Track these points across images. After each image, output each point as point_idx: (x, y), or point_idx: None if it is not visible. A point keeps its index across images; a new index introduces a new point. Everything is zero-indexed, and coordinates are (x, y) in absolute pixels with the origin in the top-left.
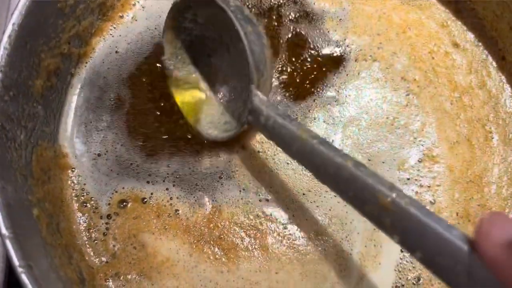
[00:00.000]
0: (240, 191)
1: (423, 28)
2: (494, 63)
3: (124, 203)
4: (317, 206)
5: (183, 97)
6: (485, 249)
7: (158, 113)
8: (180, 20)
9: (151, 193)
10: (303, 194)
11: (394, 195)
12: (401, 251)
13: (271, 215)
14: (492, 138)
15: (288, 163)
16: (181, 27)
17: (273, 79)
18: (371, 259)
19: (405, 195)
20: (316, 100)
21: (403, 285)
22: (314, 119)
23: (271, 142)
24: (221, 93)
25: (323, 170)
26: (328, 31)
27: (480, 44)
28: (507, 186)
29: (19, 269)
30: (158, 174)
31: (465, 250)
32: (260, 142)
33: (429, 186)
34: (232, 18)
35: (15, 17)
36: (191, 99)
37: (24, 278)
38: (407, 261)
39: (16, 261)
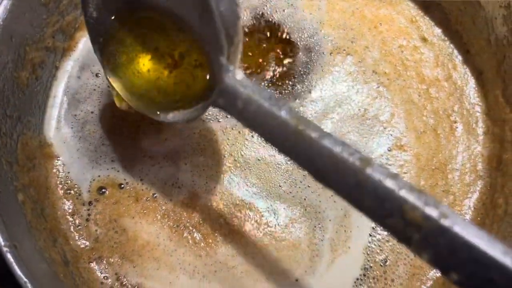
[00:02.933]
0: (212, 181)
1: (393, 23)
2: (459, 57)
3: (103, 190)
4: (293, 196)
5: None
6: None
7: None
8: None
9: (125, 179)
10: (280, 186)
11: (425, 207)
12: (370, 235)
13: (249, 203)
14: (457, 128)
15: (259, 160)
16: None
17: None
18: (342, 243)
19: (439, 205)
20: (289, 97)
21: (371, 267)
22: None
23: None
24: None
25: (325, 172)
26: (303, 24)
27: (446, 38)
28: (470, 172)
29: (4, 249)
30: (135, 161)
31: None
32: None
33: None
34: None
35: (0, 12)
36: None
37: (9, 257)
38: (375, 245)
39: (1, 241)
